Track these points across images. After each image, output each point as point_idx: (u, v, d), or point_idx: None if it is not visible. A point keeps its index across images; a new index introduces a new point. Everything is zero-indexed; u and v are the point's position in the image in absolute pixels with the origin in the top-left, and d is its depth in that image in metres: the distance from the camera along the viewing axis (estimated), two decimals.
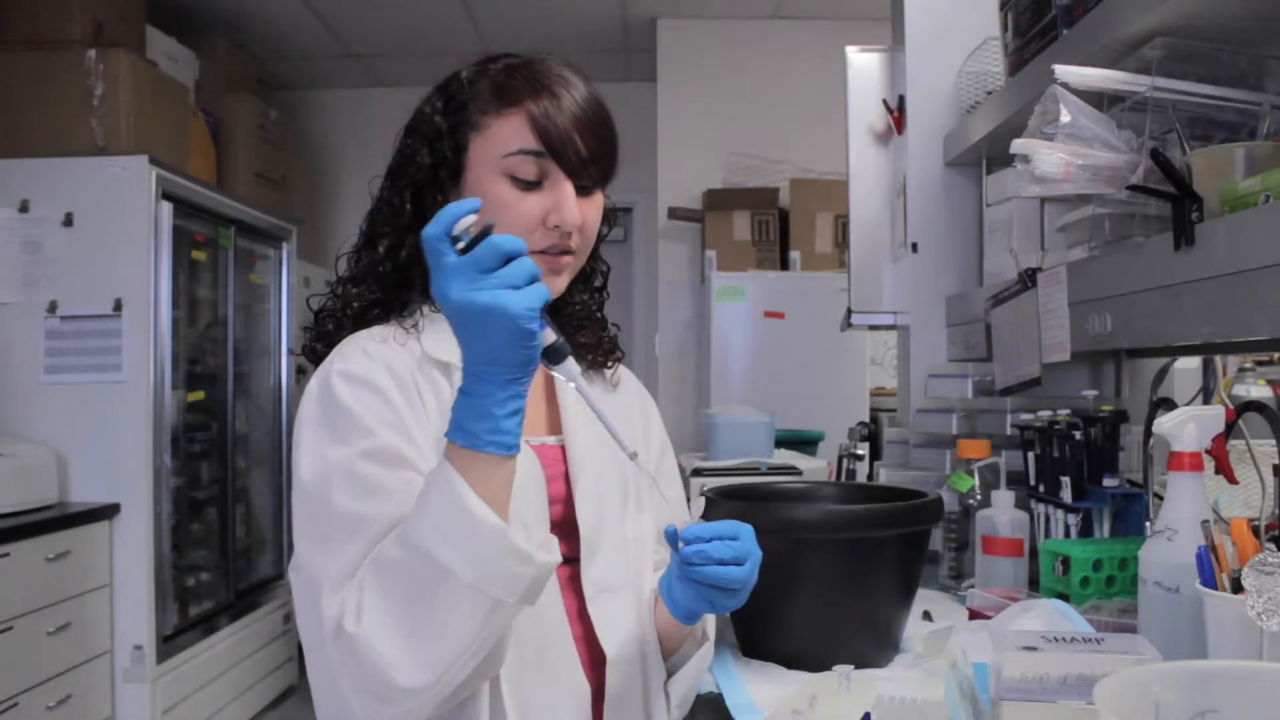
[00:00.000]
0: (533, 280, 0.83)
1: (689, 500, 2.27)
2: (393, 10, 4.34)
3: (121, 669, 3.12)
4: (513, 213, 1.01)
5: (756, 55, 4.56)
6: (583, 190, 1.04)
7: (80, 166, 3.15)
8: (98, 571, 3.08)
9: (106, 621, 3.11)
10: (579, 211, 1.03)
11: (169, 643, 3.25)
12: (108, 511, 3.11)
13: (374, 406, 0.95)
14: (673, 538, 0.97)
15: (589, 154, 1.03)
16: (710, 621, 1.15)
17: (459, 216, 0.83)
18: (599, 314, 1.19)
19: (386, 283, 1.06)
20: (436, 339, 1.03)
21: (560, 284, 1.07)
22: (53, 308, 3.15)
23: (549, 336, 0.87)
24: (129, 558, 3.14)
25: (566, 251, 1.05)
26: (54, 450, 3.07)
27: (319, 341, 1.07)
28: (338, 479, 0.92)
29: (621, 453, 1.13)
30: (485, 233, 0.83)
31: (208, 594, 3.71)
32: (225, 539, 3.83)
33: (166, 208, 3.24)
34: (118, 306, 3.15)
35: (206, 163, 3.85)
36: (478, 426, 0.86)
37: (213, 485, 3.79)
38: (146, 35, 3.62)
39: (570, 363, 0.89)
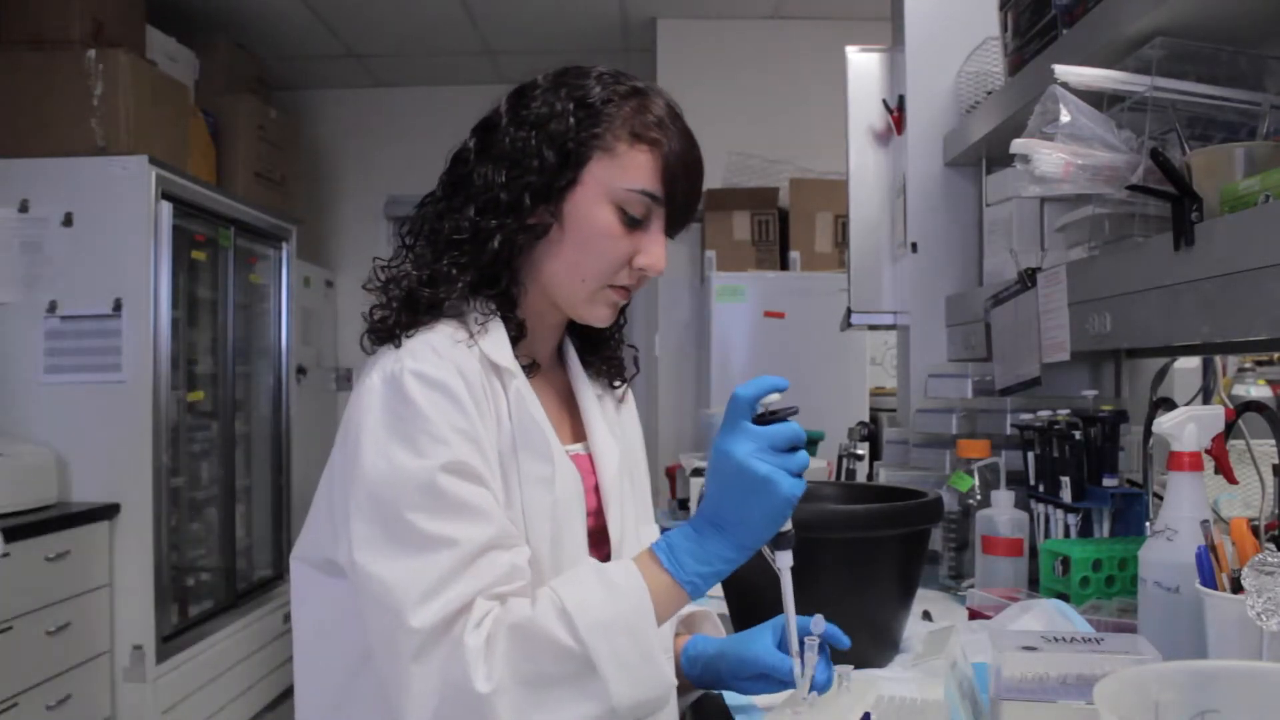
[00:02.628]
0: (802, 472, 0.94)
1: (689, 500, 2.27)
2: (393, 10, 4.34)
3: (121, 669, 3.11)
4: (612, 245, 1.03)
5: (756, 55, 4.55)
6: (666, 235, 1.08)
7: (80, 166, 3.15)
8: (98, 571, 3.08)
9: (106, 621, 3.11)
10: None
11: (169, 643, 3.25)
12: (108, 511, 3.11)
13: (448, 412, 0.93)
14: (788, 673, 1.05)
15: (689, 207, 1.07)
16: None
17: (774, 390, 0.96)
18: (618, 334, 1.21)
19: (482, 276, 1.04)
20: (494, 342, 1.02)
21: (614, 316, 1.11)
22: (53, 308, 3.14)
23: (785, 524, 0.96)
24: (129, 558, 3.14)
25: (633, 289, 1.08)
26: (54, 450, 3.07)
27: (407, 315, 1.01)
28: (414, 493, 0.90)
29: (633, 463, 1.16)
30: (784, 414, 0.95)
31: (208, 594, 3.71)
32: (225, 539, 3.83)
33: (166, 208, 3.24)
34: (118, 306, 3.15)
35: (206, 163, 3.85)
36: (691, 564, 0.94)
37: (213, 485, 3.79)
38: (146, 35, 3.62)
39: (789, 554, 0.99)
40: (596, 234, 1.02)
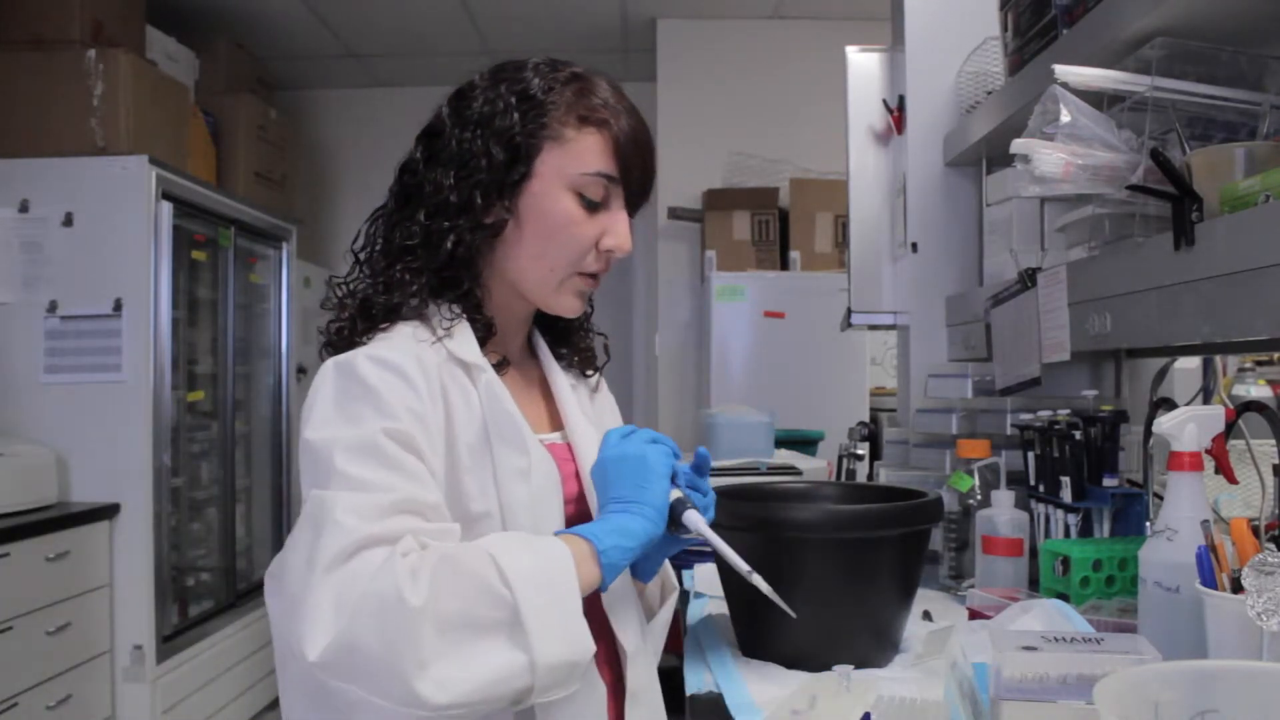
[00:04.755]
0: (671, 453, 1.01)
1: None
2: (393, 10, 4.35)
3: (121, 669, 3.12)
4: (577, 231, 1.04)
5: (756, 55, 4.56)
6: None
7: (80, 166, 3.15)
8: (98, 571, 3.08)
9: (106, 621, 3.11)
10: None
11: (169, 643, 3.25)
12: (108, 511, 3.11)
13: (399, 390, 0.94)
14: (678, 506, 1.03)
15: (645, 183, 1.07)
16: (669, 570, 1.23)
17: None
18: (586, 323, 1.22)
19: (439, 279, 1.05)
20: (460, 342, 1.03)
21: (584, 305, 1.11)
22: (53, 308, 3.15)
23: (674, 493, 1.00)
24: (129, 558, 3.14)
25: (602, 273, 1.09)
26: (54, 450, 3.07)
27: (363, 322, 1.03)
28: (354, 450, 0.89)
29: None
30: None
31: (208, 594, 3.71)
32: (225, 539, 3.83)
33: (166, 208, 3.24)
34: (118, 306, 3.15)
35: (206, 163, 3.85)
36: (603, 535, 0.93)
37: (212, 485, 3.79)
38: (146, 35, 3.62)
39: (693, 513, 0.99)
40: (559, 223, 1.03)
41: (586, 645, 0.88)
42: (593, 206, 1.04)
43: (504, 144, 1.02)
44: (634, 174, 1.05)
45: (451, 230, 1.03)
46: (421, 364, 0.97)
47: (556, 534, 0.94)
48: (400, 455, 0.91)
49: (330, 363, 0.97)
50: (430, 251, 1.03)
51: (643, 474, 0.97)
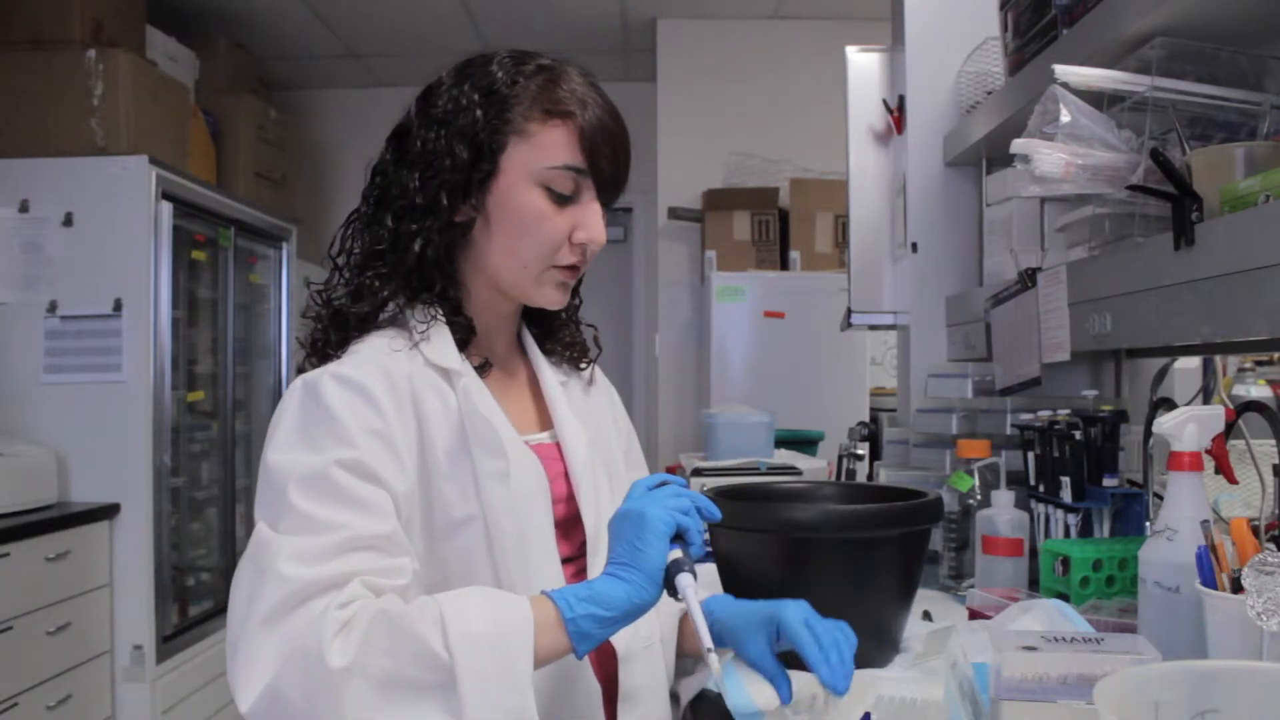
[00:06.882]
0: (681, 510, 0.94)
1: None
2: (393, 10, 4.35)
3: (121, 669, 3.12)
4: (548, 226, 1.02)
5: (756, 55, 4.56)
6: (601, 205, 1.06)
7: (80, 166, 3.15)
8: (98, 571, 3.08)
9: (106, 621, 3.11)
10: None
11: (169, 643, 3.25)
12: (108, 511, 3.11)
13: (361, 413, 0.93)
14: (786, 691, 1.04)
15: (617, 174, 1.05)
16: None
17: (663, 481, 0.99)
18: (574, 316, 1.21)
19: (412, 283, 1.04)
20: (438, 346, 1.02)
21: (566, 297, 1.09)
22: (53, 308, 3.14)
23: (674, 554, 0.94)
24: (129, 558, 3.14)
25: (580, 265, 1.07)
26: (54, 450, 3.07)
27: (336, 334, 1.03)
28: (306, 482, 0.89)
29: (606, 444, 1.15)
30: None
31: (208, 594, 3.71)
32: (225, 539, 3.83)
33: (166, 208, 3.24)
34: (118, 306, 3.15)
35: (206, 163, 3.85)
36: (578, 604, 0.88)
37: (212, 485, 3.79)
38: (146, 35, 3.62)
39: (688, 575, 0.93)
40: (529, 218, 1.02)
41: (527, 717, 0.84)
42: (562, 200, 1.02)
43: (468, 142, 1.01)
44: (604, 165, 1.03)
45: (419, 233, 1.02)
46: (390, 378, 0.96)
47: (543, 592, 0.91)
48: (355, 487, 0.90)
49: (299, 380, 0.97)
50: (399, 256, 1.03)
51: (640, 534, 0.91)
